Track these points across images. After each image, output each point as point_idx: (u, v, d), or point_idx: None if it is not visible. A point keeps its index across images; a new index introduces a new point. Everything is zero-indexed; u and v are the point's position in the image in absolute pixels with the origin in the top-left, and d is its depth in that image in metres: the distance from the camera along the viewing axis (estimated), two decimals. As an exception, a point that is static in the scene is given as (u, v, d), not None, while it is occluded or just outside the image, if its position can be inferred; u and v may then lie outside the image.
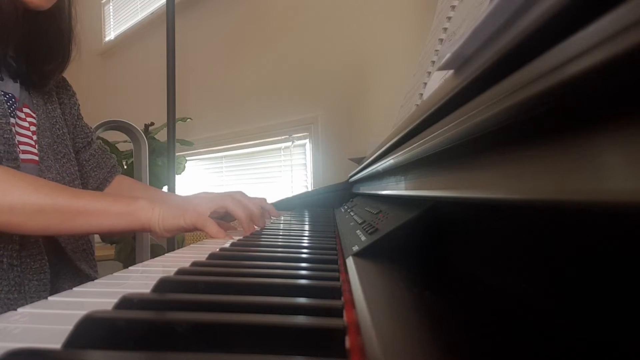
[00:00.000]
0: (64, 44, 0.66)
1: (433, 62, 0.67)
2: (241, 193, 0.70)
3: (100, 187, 0.76)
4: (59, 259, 0.62)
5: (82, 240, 0.68)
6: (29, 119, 0.62)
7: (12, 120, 0.59)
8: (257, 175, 1.95)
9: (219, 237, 0.57)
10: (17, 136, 0.59)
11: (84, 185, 0.74)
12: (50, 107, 0.68)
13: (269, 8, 1.84)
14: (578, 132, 0.11)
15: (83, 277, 0.64)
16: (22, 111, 0.62)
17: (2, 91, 0.58)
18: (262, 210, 0.71)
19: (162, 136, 1.62)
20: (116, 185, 0.79)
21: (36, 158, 0.61)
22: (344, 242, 0.42)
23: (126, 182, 0.81)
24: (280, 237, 0.54)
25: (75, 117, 0.75)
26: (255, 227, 0.65)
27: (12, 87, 0.61)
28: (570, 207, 0.12)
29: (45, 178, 0.61)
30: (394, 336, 0.16)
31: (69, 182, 0.66)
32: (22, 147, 0.60)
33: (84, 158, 0.74)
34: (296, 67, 1.72)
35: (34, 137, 0.62)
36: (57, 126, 0.68)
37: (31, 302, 0.25)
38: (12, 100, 0.60)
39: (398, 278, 0.26)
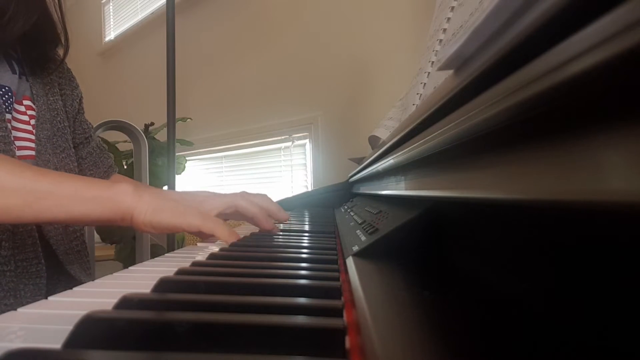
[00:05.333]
0: (58, 32, 0.64)
1: (432, 62, 0.67)
2: (246, 193, 0.64)
3: None
4: (50, 262, 0.59)
5: (77, 242, 0.65)
6: (29, 112, 0.59)
7: (8, 116, 0.56)
8: (257, 175, 1.95)
9: (230, 240, 0.48)
10: (14, 131, 0.57)
11: None
12: (52, 99, 0.64)
13: (269, 8, 1.84)
14: (578, 132, 0.11)
15: (77, 283, 0.62)
16: (21, 104, 0.59)
17: None
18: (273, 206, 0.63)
19: (162, 136, 1.62)
20: None
21: (34, 153, 0.58)
22: (344, 242, 0.42)
23: (122, 181, 0.77)
24: (280, 237, 0.54)
25: (76, 110, 0.70)
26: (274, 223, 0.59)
27: (9, 79, 0.58)
28: (570, 207, 0.12)
29: None
30: (394, 336, 0.16)
31: None
32: (19, 143, 0.57)
33: (80, 155, 0.71)
34: (296, 67, 1.72)
35: (35, 131, 0.59)
36: (58, 119, 0.64)
37: None
38: (8, 94, 0.57)
39: (398, 278, 0.26)
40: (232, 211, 0.58)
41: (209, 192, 0.62)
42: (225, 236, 0.48)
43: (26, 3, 0.55)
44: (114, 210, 0.46)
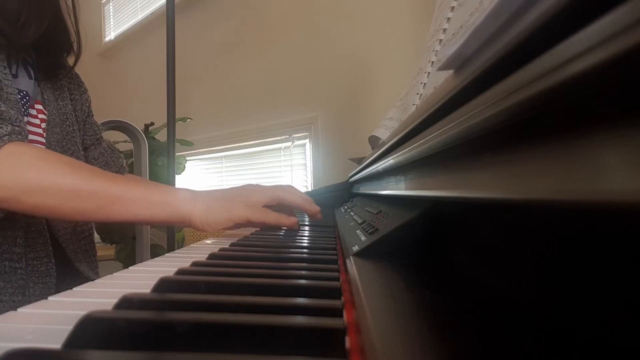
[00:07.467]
0: (71, 36, 0.66)
1: (432, 62, 0.67)
2: (283, 185, 0.65)
3: None
4: (60, 261, 0.61)
5: (85, 241, 0.67)
6: (40, 116, 0.62)
7: (25, 119, 0.58)
8: (257, 175, 1.95)
9: (282, 224, 0.55)
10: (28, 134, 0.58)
11: None
12: (61, 103, 0.67)
13: (269, 8, 1.84)
14: (578, 132, 0.11)
15: (83, 279, 0.62)
16: (33, 108, 0.61)
17: (16, 89, 0.57)
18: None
19: (162, 136, 1.62)
20: None
21: None
22: (344, 242, 0.42)
23: (135, 180, 0.80)
24: (280, 237, 0.54)
25: (86, 114, 0.73)
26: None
27: (26, 84, 0.60)
28: (570, 207, 0.12)
29: None
30: (394, 336, 0.16)
31: None
32: None
33: (92, 156, 0.73)
34: (296, 67, 1.72)
35: (45, 135, 0.61)
36: (68, 122, 0.66)
37: None
38: (26, 98, 0.59)
39: (398, 278, 0.26)
40: (276, 203, 0.61)
41: (253, 185, 0.63)
42: (275, 220, 0.55)
43: (38, 9, 0.57)
44: (174, 214, 0.52)
